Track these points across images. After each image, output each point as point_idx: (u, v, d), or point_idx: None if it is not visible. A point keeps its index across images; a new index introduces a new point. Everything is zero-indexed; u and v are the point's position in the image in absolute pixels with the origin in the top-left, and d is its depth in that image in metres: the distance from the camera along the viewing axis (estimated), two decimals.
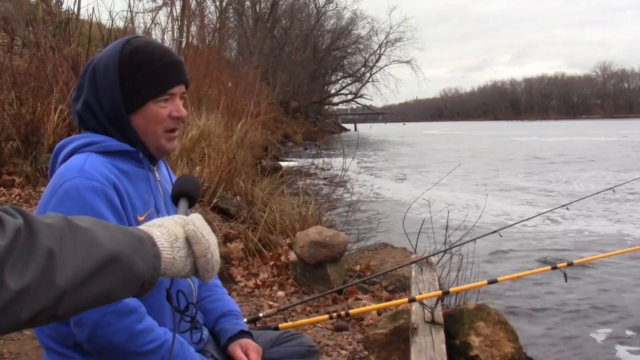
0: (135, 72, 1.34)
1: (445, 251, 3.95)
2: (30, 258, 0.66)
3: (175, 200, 1.18)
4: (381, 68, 50.75)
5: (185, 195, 1.16)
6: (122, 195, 1.30)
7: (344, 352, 3.18)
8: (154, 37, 9.20)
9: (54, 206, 1.24)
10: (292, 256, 4.25)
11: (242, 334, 1.54)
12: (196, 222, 0.96)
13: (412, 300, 2.66)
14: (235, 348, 1.51)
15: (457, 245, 3.98)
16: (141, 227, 0.92)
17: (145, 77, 1.35)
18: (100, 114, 1.37)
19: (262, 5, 39.58)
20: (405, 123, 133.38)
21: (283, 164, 12.21)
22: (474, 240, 3.70)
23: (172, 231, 0.92)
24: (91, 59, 1.43)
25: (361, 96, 53.01)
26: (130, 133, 1.38)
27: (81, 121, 1.41)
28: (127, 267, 0.79)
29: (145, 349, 1.25)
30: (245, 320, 1.66)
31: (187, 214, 1.10)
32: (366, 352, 2.97)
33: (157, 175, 1.47)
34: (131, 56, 1.35)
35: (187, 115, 1.43)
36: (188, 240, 0.94)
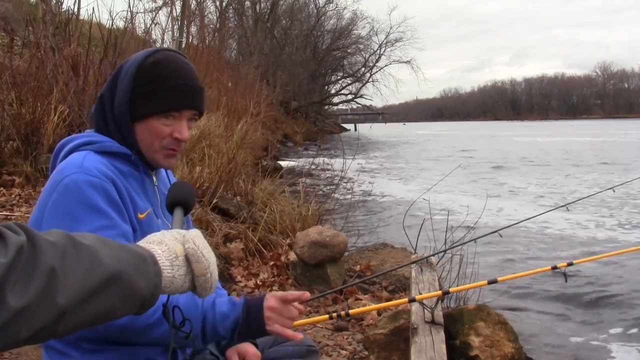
0: (146, 84, 1.36)
1: (445, 251, 3.94)
2: (32, 276, 0.65)
3: (170, 209, 1.17)
4: (381, 68, 50.62)
5: (180, 204, 1.16)
6: (122, 191, 1.32)
7: (344, 352, 3.18)
8: (154, 37, 9.20)
9: (55, 201, 1.25)
10: (292, 256, 4.25)
11: None
12: (196, 240, 0.95)
13: (412, 300, 2.65)
14: (233, 354, 1.50)
15: (457, 245, 3.97)
16: (141, 243, 0.92)
17: (155, 92, 1.36)
18: (109, 112, 1.40)
19: (262, 5, 39.58)
20: (405, 123, 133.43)
21: (283, 163, 12.20)
22: (474, 240, 3.69)
23: (172, 249, 0.92)
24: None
25: (361, 96, 52.83)
26: (130, 139, 1.39)
27: (92, 116, 1.44)
28: (128, 285, 0.78)
29: (155, 318, 1.25)
30: None
31: (183, 223, 1.10)
32: (366, 352, 2.97)
33: (154, 179, 1.48)
34: (149, 68, 1.37)
35: (187, 138, 1.42)
36: (187, 258, 0.93)
